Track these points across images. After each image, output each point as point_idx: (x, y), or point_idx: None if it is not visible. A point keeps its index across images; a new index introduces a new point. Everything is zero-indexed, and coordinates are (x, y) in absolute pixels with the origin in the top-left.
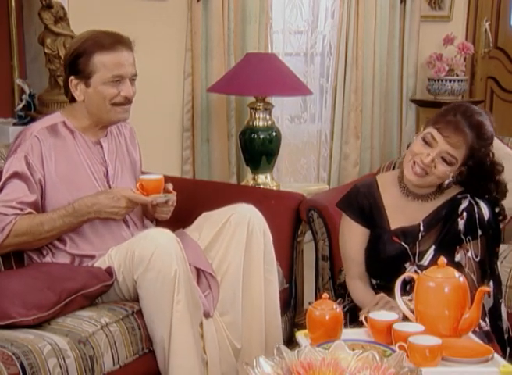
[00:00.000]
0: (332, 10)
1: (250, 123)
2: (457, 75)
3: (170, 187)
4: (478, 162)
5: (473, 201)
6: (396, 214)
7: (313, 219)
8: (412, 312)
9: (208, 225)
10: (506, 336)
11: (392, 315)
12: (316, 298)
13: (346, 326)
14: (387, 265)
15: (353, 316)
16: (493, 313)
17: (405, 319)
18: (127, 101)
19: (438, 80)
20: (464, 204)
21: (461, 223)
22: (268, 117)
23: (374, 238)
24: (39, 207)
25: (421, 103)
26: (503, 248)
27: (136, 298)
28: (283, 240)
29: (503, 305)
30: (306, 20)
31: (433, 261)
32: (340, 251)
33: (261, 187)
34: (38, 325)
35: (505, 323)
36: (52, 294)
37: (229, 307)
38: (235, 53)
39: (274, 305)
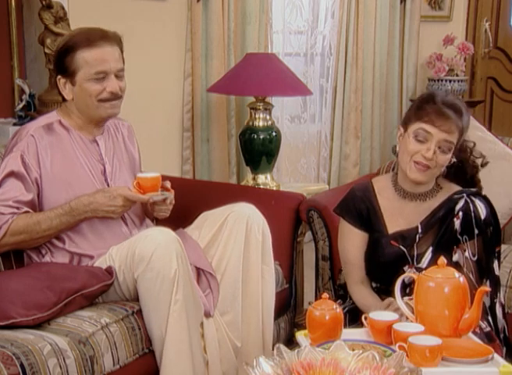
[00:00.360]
0: (332, 10)
1: (250, 123)
2: (457, 75)
3: (168, 184)
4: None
5: (469, 200)
6: (393, 217)
7: (313, 219)
8: (413, 312)
9: (207, 224)
10: (502, 335)
11: (392, 315)
12: (316, 298)
13: (345, 327)
14: (386, 268)
15: (352, 318)
16: (490, 313)
17: (407, 319)
18: (114, 96)
19: (438, 80)
20: (460, 204)
21: (457, 222)
22: (268, 117)
23: (372, 242)
24: (36, 206)
25: None
26: (503, 248)
27: (136, 298)
28: (283, 240)
29: (498, 304)
30: (306, 20)
31: (431, 263)
32: (340, 256)
33: (261, 187)
34: (38, 325)
35: (500, 323)
36: (52, 294)
37: (229, 306)
38: (235, 53)
39: (269, 305)
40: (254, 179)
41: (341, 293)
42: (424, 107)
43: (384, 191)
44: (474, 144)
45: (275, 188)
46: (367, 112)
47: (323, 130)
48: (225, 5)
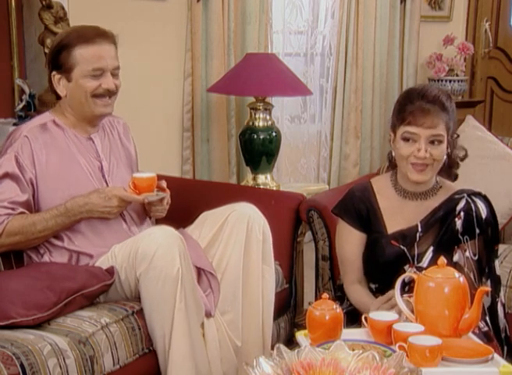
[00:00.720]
0: (332, 10)
1: (250, 123)
2: (457, 75)
3: (164, 184)
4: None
5: (470, 201)
6: (393, 217)
7: (313, 219)
8: (413, 311)
9: (208, 223)
10: (503, 335)
11: (392, 315)
12: (316, 298)
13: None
14: (386, 269)
15: (350, 320)
16: (491, 312)
17: (407, 319)
18: (108, 93)
19: (438, 80)
20: (461, 204)
21: (459, 222)
22: (268, 117)
23: (371, 243)
24: (31, 206)
25: None
26: (503, 248)
27: (137, 297)
28: (283, 240)
29: (499, 304)
30: (306, 20)
31: (432, 262)
32: (338, 256)
33: (261, 187)
34: (38, 325)
35: (502, 322)
36: (52, 294)
37: (230, 305)
38: (235, 53)
39: (269, 305)
40: (254, 179)
41: (338, 294)
42: (403, 109)
43: (383, 191)
44: (458, 135)
45: (275, 188)
46: (367, 112)
47: (323, 130)
48: (225, 5)
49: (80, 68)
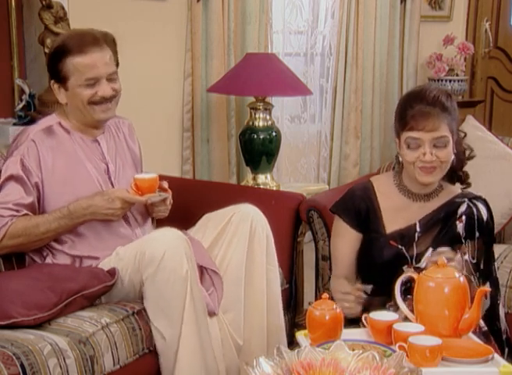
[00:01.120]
0: (332, 10)
1: (250, 123)
2: (457, 75)
3: (165, 185)
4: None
5: (471, 205)
6: (394, 217)
7: (313, 219)
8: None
9: (210, 225)
10: (504, 337)
11: (392, 315)
12: (316, 298)
13: None
14: (383, 269)
15: (347, 322)
16: (491, 315)
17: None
18: (105, 100)
19: (438, 80)
20: (463, 207)
21: (460, 226)
22: (268, 117)
23: (367, 243)
24: (36, 209)
25: None
26: (503, 247)
27: (139, 299)
28: (283, 240)
29: (501, 306)
30: (306, 20)
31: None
32: (331, 252)
33: (261, 187)
34: (39, 325)
35: (503, 324)
36: (53, 294)
37: (232, 304)
38: (235, 53)
39: (276, 305)
40: (254, 179)
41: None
42: (404, 114)
43: (385, 190)
44: (465, 134)
45: (275, 188)
46: (367, 112)
47: (323, 130)
48: (225, 5)
49: (74, 78)
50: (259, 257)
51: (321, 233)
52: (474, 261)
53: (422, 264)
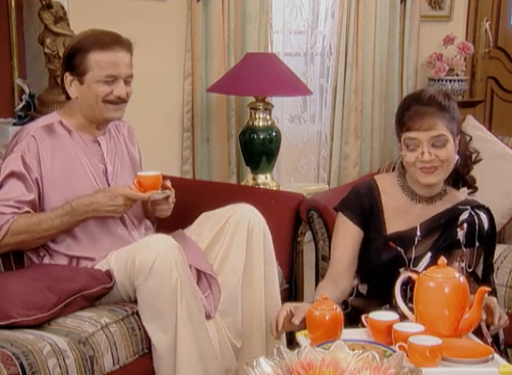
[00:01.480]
0: (332, 10)
1: (250, 123)
2: (457, 75)
3: (168, 183)
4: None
5: (474, 213)
6: (395, 218)
7: (313, 219)
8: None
9: (208, 225)
10: (502, 347)
11: (392, 315)
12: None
13: None
14: (380, 270)
15: (350, 320)
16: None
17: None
18: (120, 100)
19: (438, 80)
20: (465, 215)
21: (461, 233)
22: (268, 117)
23: (366, 242)
24: (37, 206)
25: None
26: (503, 248)
27: (136, 301)
28: (283, 240)
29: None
30: (306, 20)
31: (428, 267)
32: (331, 251)
33: (261, 187)
34: (38, 325)
35: (501, 335)
36: (52, 294)
37: (230, 307)
38: (235, 53)
39: (275, 305)
40: (254, 179)
41: None
42: (402, 116)
43: (389, 190)
44: (471, 138)
45: (275, 188)
46: (367, 112)
47: (323, 130)
48: (225, 5)
49: (93, 73)
50: (257, 258)
51: (321, 233)
52: (470, 270)
53: (420, 268)
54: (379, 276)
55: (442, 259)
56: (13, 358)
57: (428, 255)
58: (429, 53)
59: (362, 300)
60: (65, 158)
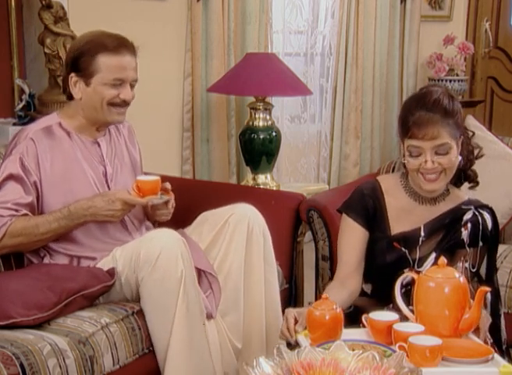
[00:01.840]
0: (332, 10)
1: (250, 123)
2: (457, 75)
3: (168, 186)
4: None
5: (477, 213)
6: (399, 218)
7: (313, 219)
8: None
9: (207, 225)
10: (504, 347)
11: (392, 315)
12: (316, 298)
13: None
14: (384, 270)
15: (349, 322)
16: (491, 325)
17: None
18: (124, 103)
19: (438, 80)
20: (469, 215)
21: (465, 233)
22: (268, 117)
23: (371, 243)
24: (35, 209)
25: None
26: (503, 248)
27: (137, 299)
28: (283, 240)
29: (502, 317)
30: (306, 20)
31: None
32: (337, 254)
33: (261, 187)
34: (38, 325)
35: (503, 335)
36: (52, 294)
37: (231, 308)
38: (235, 53)
39: (275, 306)
40: (254, 179)
41: None
42: (406, 121)
43: (392, 191)
44: (473, 133)
45: (275, 188)
46: (367, 112)
47: (323, 130)
48: (225, 5)
49: (101, 75)
50: (257, 258)
51: (321, 233)
52: (474, 270)
53: (424, 268)
54: (383, 277)
55: (442, 259)
56: (13, 358)
57: (433, 255)
58: (429, 53)
59: (366, 299)
60: (64, 160)
